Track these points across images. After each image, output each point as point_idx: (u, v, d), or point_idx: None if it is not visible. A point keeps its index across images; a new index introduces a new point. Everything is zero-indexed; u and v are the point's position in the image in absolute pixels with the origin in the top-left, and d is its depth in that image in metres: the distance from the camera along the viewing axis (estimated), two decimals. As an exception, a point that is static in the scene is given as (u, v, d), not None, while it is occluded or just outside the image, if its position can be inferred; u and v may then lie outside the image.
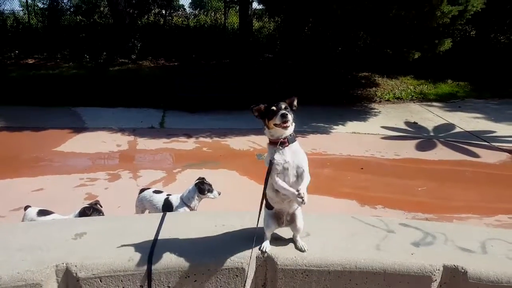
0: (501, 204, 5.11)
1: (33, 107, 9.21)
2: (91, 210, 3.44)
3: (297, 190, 2.08)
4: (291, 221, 2.37)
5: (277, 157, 2.18)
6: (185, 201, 3.71)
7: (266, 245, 2.35)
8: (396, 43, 8.88)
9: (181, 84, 10.20)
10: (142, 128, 8.23)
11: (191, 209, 3.74)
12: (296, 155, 2.21)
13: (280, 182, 2.16)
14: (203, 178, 3.88)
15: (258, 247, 2.34)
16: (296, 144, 2.25)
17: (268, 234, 2.39)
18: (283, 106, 2.20)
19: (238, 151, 7.12)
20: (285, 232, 2.55)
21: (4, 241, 2.35)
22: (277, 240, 2.47)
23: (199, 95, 9.88)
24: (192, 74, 10.85)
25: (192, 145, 7.37)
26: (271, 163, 2.18)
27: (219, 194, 3.90)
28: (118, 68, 12.23)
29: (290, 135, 2.22)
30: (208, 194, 3.80)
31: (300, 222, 2.36)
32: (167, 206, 3.70)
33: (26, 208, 3.80)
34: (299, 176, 2.18)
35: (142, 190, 4.05)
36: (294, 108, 2.27)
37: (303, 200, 2.06)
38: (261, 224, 2.33)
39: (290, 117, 2.15)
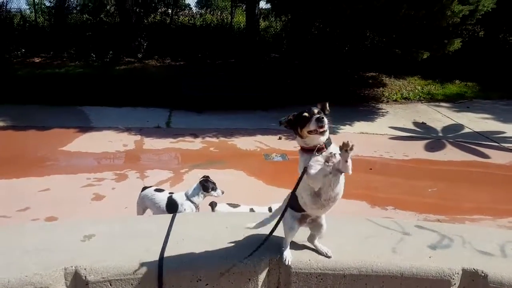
0: (513, 206, 5.03)
1: (39, 106, 9.21)
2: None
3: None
4: (314, 221, 2.25)
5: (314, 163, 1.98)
6: (190, 197, 3.67)
7: (288, 255, 2.21)
8: (405, 43, 8.80)
9: (187, 84, 10.18)
10: (148, 127, 8.21)
11: (196, 205, 3.69)
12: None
13: (315, 173, 1.97)
14: (207, 176, 3.86)
15: (281, 254, 2.24)
16: (333, 146, 2.05)
17: (289, 238, 2.26)
18: (315, 111, 2.00)
19: (245, 151, 7.07)
20: (297, 234, 2.49)
21: (11, 243, 2.30)
22: (291, 243, 2.41)
23: (205, 94, 9.86)
24: (198, 74, 10.82)
25: (199, 145, 7.34)
26: (305, 169, 2.00)
27: (223, 193, 3.87)
28: (124, 67, 12.24)
29: (327, 139, 2.02)
30: (212, 192, 3.78)
31: (324, 222, 2.24)
32: (172, 204, 3.66)
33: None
34: (338, 171, 1.99)
35: (144, 189, 4.01)
36: (326, 112, 2.07)
37: (350, 146, 1.84)
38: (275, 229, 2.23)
39: (326, 120, 1.96)
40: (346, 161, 1.92)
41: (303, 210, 2.17)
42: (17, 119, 8.26)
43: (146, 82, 10.86)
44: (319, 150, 2.00)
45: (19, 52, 13.15)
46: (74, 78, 11.08)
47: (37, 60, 12.93)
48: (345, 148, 1.87)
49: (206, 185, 3.73)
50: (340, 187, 2.06)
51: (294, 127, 2.06)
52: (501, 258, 2.34)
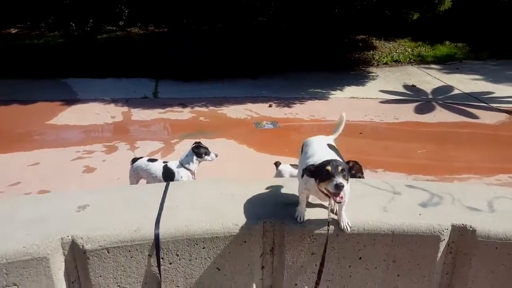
0: (500, 164, 5.14)
1: (20, 80, 8.94)
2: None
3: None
4: None
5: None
6: (184, 165, 3.68)
7: (300, 214, 2.22)
8: (395, 4, 8.60)
9: (173, 52, 9.89)
10: (135, 98, 8.05)
11: (192, 172, 3.70)
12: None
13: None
14: (199, 142, 3.86)
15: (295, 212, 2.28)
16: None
17: (301, 199, 2.25)
18: (339, 169, 1.86)
19: (236, 120, 7.02)
20: (292, 199, 2.51)
21: (6, 215, 2.29)
22: (287, 206, 2.43)
23: (192, 62, 9.60)
24: (183, 41, 10.49)
25: (188, 114, 7.25)
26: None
27: (216, 156, 3.90)
28: (106, 36, 11.82)
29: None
30: (206, 157, 3.80)
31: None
32: (168, 173, 3.69)
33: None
34: None
35: (134, 160, 4.00)
36: (358, 175, 2.03)
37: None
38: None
39: (346, 188, 1.85)
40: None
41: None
42: (-1, 94, 8.02)
43: (130, 51, 10.54)
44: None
45: (-7, 23, 12.57)
46: (55, 48, 10.68)
47: (14, 31, 12.39)
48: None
49: (197, 151, 3.74)
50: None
51: (314, 176, 1.98)
52: (488, 213, 2.40)
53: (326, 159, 1.98)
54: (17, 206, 2.43)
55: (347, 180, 1.90)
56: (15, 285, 2.01)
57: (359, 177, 3.06)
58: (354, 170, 2.00)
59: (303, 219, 2.26)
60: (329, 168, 1.87)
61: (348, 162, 2.00)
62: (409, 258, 2.33)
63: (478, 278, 2.33)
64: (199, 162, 3.80)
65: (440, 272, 2.39)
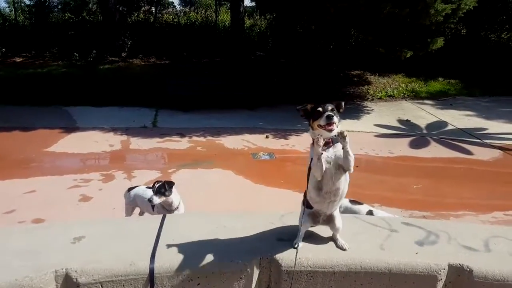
0: (496, 201, 5.16)
1: (22, 107, 9.03)
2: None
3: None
4: (329, 221, 2.36)
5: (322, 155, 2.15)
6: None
7: (299, 241, 2.35)
8: (389, 42, 8.92)
9: (173, 83, 10.10)
10: (134, 127, 8.12)
11: (161, 204, 3.49)
12: (338, 150, 2.17)
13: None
14: (169, 182, 3.53)
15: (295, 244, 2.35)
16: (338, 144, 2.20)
17: (302, 231, 2.38)
18: (329, 108, 2.14)
19: (233, 150, 7.07)
20: (289, 233, 2.51)
21: (0, 246, 2.26)
22: (281, 241, 2.43)
23: (191, 93, 9.80)
24: (183, 73, 10.75)
25: (186, 144, 7.30)
26: (311, 160, 2.16)
27: (151, 200, 3.41)
28: (108, 67, 12.07)
29: (335, 135, 2.15)
30: (155, 197, 3.40)
31: (338, 221, 2.36)
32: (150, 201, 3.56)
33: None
34: (340, 166, 2.16)
35: (129, 189, 3.98)
36: (341, 110, 2.21)
37: (344, 135, 2.07)
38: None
39: (336, 119, 2.10)
40: (347, 157, 2.11)
41: (312, 207, 2.31)
42: (0, 120, 8.05)
43: (131, 81, 10.74)
44: (326, 144, 2.15)
45: (-1, 52, 12.85)
46: (57, 78, 10.88)
47: (19, 60, 12.64)
48: (341, 136, 2.09)
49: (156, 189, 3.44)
50: (342, 184, 2.19)
51: (308, 117, 2.20)
52: (485, 253, 2.40)
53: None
54: (11, 236, 2.40)
55: (336, 115, 2.11)
56: None
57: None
58: (341, 109, 2.23)
59: (298, 245, 2.33)
60: (319, 109, 2.14)
61: (332, 102, 2.20)
62: (406, 298, 2.31)
63: (476, 320, 2.31)
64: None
65: (437, 312, 2.36)
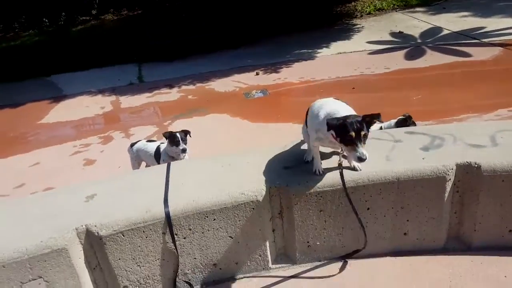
0: (498, 99, 5.07)
1: (5, 84, 8.73)
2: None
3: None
4: None
5: None
6: (166, 149, 3.55)
7: (318, 166, 2.30)
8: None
9: (151, 32, 9.57)
10: (121, 86, 7.88)
11: (170, 156, 3.51)
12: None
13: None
14: (186, 130, 3.57)
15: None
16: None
17: (313, 153, 2.33)
18: (362, 134, 1.88)
19: (225, 93, 6.90)
20: (294, 160, 2.49)
21: (19, 214, 2.32)
22: (288, 169, 2.42)
23: (172, 41, 9.32)
24: (160, 20, 10.14)
25: (176, 95, 7.12)
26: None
27: (184, 151, 3.45)
28: (81, 27, 11.48)
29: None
30: (173, 147, 3.44)
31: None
32: (158, 154, 3.65)
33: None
34: None
35: (133, 144, 4.00)
36: (373, 122, 1.98)
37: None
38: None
39: (367, 157, 1.89)
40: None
41: None
42: (-15, 100, 7.85)
43: (107, 38, 10.23)
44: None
45: (-35, 30, 12.18)
46: (32, 48, 10.39)
47: (-13, 36, 12.02)
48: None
49: (169, 138, 3.46)
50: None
51: (335, 133, 1.95)
52: (492, 148, 2.39)
53: (346, 116, 1.97)
54: (26, 204, 2.46)
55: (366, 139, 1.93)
56: (40, 277, 2.08)
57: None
58: (374, 122, 2.00)
59: (321, 171, 2.30)
60: (352, 134, 1.88)
61: (364, 118, 1.96)
62: (416, 203, 2.35)
63: (487, 213, 2.35)
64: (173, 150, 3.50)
65: (448, 212, 2.41)
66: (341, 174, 2.20)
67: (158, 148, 3.72)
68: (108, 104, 7.02)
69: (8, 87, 8.57)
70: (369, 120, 1.95)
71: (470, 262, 2.36)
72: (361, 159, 1.88)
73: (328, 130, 1.96)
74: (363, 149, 1.89)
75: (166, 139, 3.48)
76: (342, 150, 2.14)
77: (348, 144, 1.92)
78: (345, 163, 2.34)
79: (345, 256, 2.46)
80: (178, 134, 3.43)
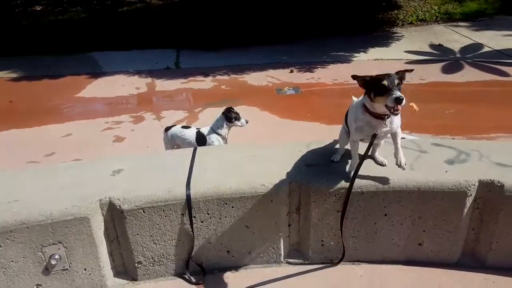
0: (532, 122, 4.95)
1: (48, 56, 9.12)
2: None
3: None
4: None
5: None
6: (215, 130, 3.77)
7: (337, 156, 2.47)
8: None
9: (193, 21, 9.79)
10: (158, 69, 8.12)
11: (222, 137, 3.79)
12: (392, 122, 2.10)
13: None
14: (231, 107, 3.89)
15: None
16: (396, 118, 2.09)
17: (342, 147, 2.50)
18: (396, 82, 1.88)
19: (257, 87, 7.00)
20: (317, 159, 2.55)
21: (46, 182, 2.43)
22: (310, 166, 2.48)
23: (212, 31, 9.50)
24: (203, 10, 10.34)
25: (209, 83, 7.28)
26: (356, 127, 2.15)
27: (247, 122, 3.95)
28: (126, 9, 11.82)
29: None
30: (236, 122, 3.85)
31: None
32: (201, 139, 3.80)
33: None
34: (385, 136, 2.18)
35: (167, 128, 4.11)
36: (403, 81, 1.98)
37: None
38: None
39: (404, 102, 1.85)
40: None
41: None
42: (29, 70, 8.25)
43: (150, 22, 10.51)
44: (378, 117, 2.03)
45: (18, 1, 12.77)
46: (78, 24, 10.81)
47: (38, 8, 12.56)
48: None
49: (228, 115, 3.80)
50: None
51: (368, 90, 1.99)
52: (517, 168, 2.36)
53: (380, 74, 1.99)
54: (56, 172, 2.57)
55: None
56: (60, 242, 2.18)
57: None
58: (404, 79, 2.00)
59: (336, 159, 2.47)
60: (385, 82, 1.89)
61: (397, 73, 1.99)
62: (435, 214, 2.36)
63: (505, 233, 2.34)
64: (229, 128, 3.86)
65: (466, 228, 2.41)
66: (358, 167, 2.22)
67: (200, 133, 3.84)
68: (143, 86, 7.26)
69: (50, 59, 8.95)
70: (402, 74, 2.00)
71: (483, 280, 2.36)
72: (398, 100, 1.85)
73: (362, 86, 2.01)
74: (399, 93, 1.88)
75: (228, 114, 3.83)
76: (379, 128, 2.07)
77: (383, 93, 1.91)
78: (370, 168, 2.38)
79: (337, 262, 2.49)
80: (233, 114, 3.87)
